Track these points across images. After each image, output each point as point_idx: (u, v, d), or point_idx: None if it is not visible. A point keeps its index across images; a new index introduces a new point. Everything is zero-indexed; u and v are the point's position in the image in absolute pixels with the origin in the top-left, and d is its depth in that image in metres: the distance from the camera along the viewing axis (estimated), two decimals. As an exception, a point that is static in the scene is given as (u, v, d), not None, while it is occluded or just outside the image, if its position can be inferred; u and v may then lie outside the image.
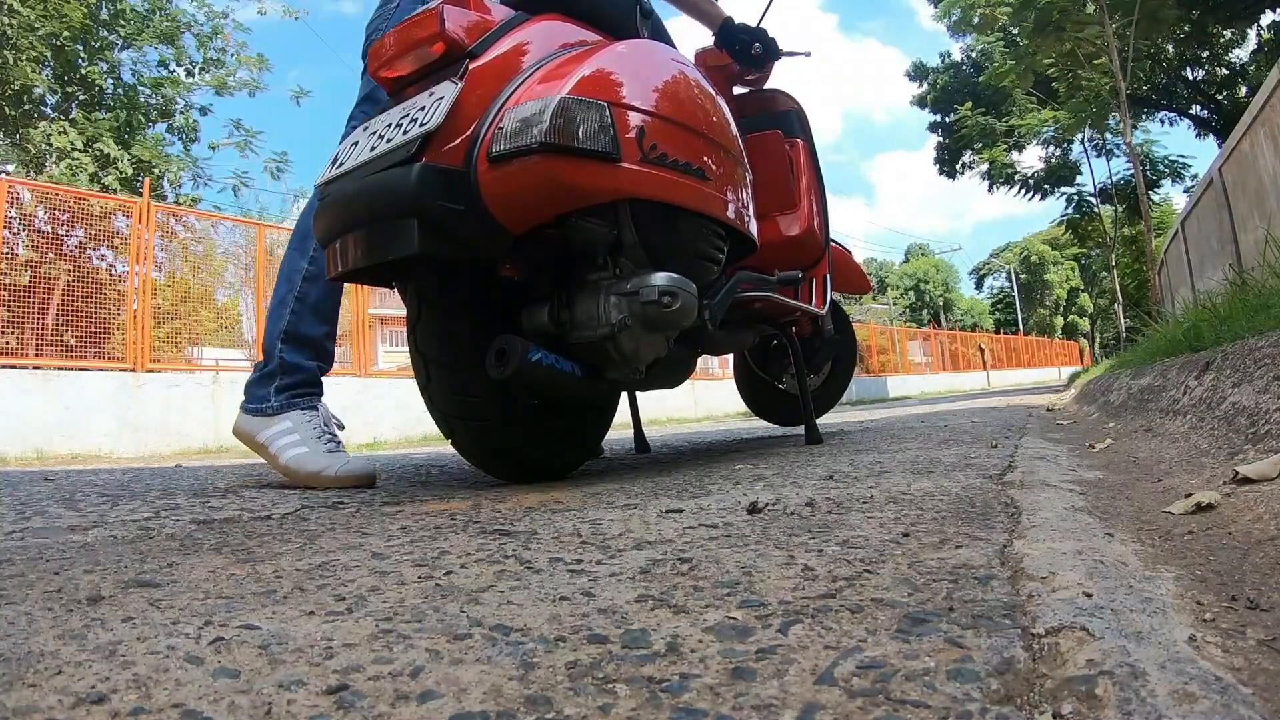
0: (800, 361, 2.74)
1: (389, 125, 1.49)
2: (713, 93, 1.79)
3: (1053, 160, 21.48)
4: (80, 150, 11.31)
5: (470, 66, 1.45)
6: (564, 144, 1.35)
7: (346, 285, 1.94)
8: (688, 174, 1.57)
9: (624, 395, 2.59)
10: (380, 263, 1.42)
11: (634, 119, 1.48)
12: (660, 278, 1.55)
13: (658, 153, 1.50)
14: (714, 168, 1.67)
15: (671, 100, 1.60)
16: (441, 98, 1.41)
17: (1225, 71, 19.53)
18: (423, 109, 1.43)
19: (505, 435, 1.64)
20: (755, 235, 1.93)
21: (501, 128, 1.38)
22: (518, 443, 1.67)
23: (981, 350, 28.01)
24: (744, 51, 2.55)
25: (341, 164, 1.52)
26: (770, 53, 2.59)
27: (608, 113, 1.41)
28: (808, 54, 2.81)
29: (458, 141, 1.41)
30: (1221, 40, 18.37)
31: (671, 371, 1.92)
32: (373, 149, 1.46)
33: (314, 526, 1.16)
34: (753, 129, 2.52)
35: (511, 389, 1.60)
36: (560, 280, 1.63)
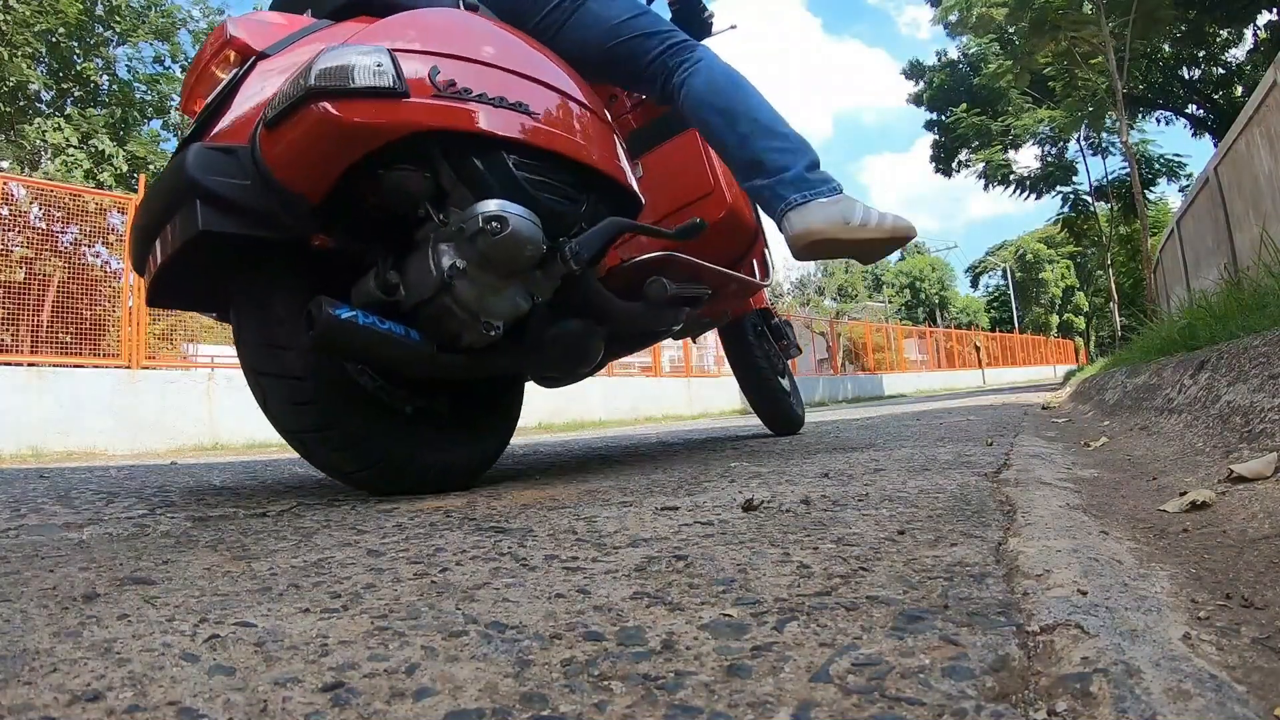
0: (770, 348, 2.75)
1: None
2: (529, 44, 1.70)
3: (1049, 160, 21.53)
4: (75, 146, 11.27)
5: (259, 61, 1.43)
6: (335, 86, 1.28)
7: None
8: (502, 107, 1.45)
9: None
10: (180, 262, 1.35)
11: (422, 59, 1.39)
12: (487, 204, 1.40)
13: (457, 88, 1.40)
14: (540, 102, 1.54)
15: (472, 44, 1.51)
16: (222, 85, 1.41)
17: (1222, 71, 19.58)
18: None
19: (371, 443, 1.47)
20: (628, 182, 1.75)
21: (275, 94, 1.33)
22: (387, 451, 1.49)
23: (977, 348, 28.07)
24: (694, 19, 2.42)
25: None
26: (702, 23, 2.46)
27: (387, 56, 1.33)
28: (734, 26, 2.68)
29: (242, 123, 1.38)
30: (1218, 40, 18.42)
31: (564, 349, 1.64)
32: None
33: (309, 524, 1.16)
34: (653, 122, 2.39)
35: (346, 358, 1.46)
36: (388, 248, 1.50)
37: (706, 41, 2.50)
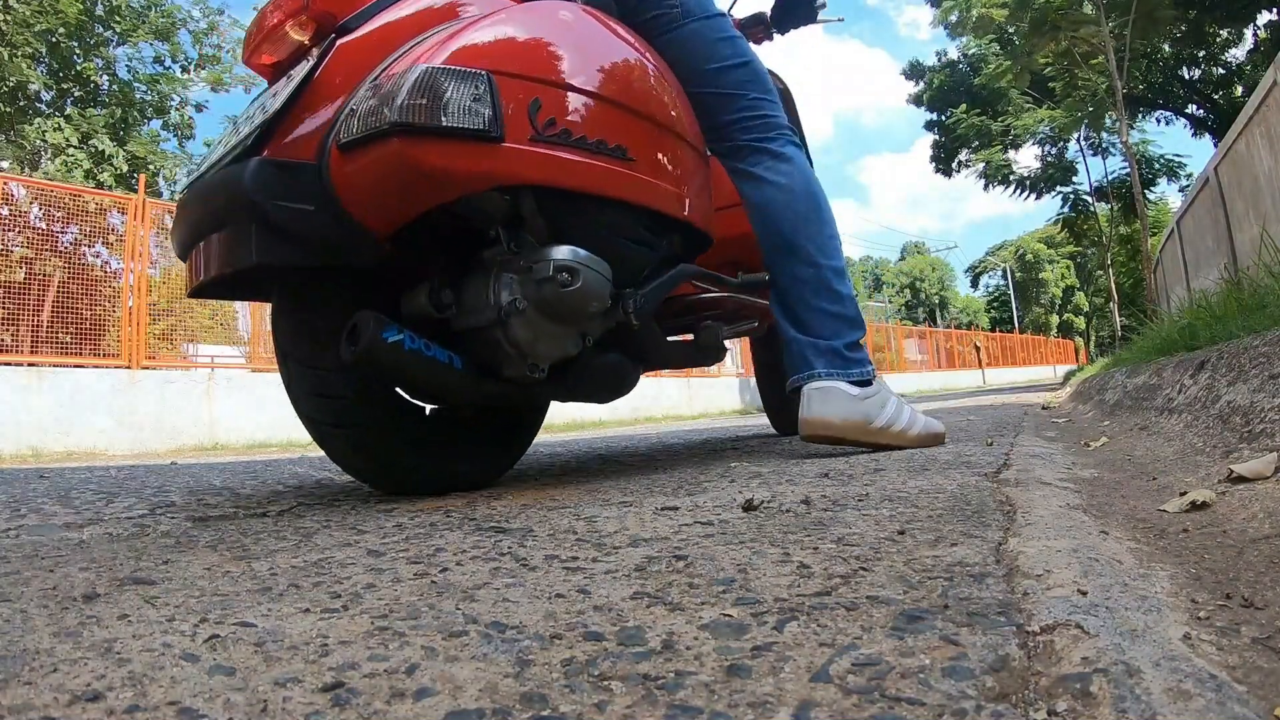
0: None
1: (247, 116, 1.33)
2: (649, 62, 1.56)
3: (1049, 160, 21.55)
4: (75, 146, 11.27)
5: (338, 42, 1.27)
6: (424, 123, 1.14)
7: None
8: (601, 154, 1.34)
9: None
10: (230, 276, 1.26)
11: (525, 89, 1.25)
12: (560, 251, 1.32)
13: (557, 129, 1.27)
14: (642, 146, 1.43)
15: (583, 67, 1.36)
16: (292, 79, 1.25)
17: (1222, 71, 19.60)
18: (275, 95, 1.27)
19: (386, 443, 1.43)
20: (707, 228, 1.65)
21: (354, 109, 1.18)
22: (399, 453, 1.44)
23: (977, 348, 28.06)
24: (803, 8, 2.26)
25: (201, 162, 1.38)
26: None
27: (486, 83, 1.19)
28: (841, 19, 2.54)
29: (312, 130, 1.23)
30: (1218, 40, 18.43)
31: (602, 381, 1.59)
32: (225, 144, 1.31)
33: (309, 524, 1.16)
34: None
35: (382, 379, 1.39)
36: (449, 258, 1.40)
37: (810, 28, 2.41)
